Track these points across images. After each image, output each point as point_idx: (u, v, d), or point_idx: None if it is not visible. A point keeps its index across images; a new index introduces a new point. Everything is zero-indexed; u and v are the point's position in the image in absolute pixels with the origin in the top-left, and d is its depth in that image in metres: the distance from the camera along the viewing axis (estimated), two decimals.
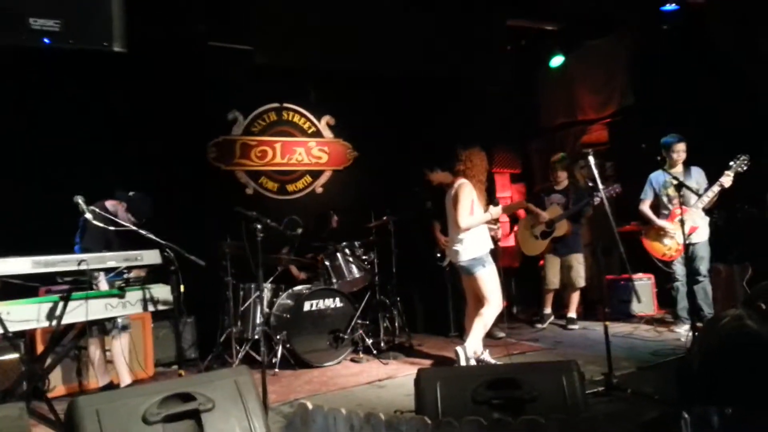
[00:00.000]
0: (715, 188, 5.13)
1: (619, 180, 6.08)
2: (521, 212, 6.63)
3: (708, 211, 5.33)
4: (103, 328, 4.23)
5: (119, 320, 4.21)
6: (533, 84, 8.31)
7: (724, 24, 5.88)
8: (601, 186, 4.02)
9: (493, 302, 4.52)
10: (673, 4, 5.79)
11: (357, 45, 6.26)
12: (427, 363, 4.93)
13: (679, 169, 5.38)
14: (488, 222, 4.71)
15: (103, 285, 3.64)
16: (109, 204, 4.46)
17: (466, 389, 2.64)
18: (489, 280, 4.50)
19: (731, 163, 5.07)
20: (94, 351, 4.39)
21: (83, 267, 2.94)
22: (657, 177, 5.55)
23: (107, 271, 3.17)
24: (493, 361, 4.51)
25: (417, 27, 6.39)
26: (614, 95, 7.40)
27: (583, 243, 6.39)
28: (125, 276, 3.27)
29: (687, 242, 5.18)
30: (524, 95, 8.18)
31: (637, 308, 6.29)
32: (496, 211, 4.60)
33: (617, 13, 6.55)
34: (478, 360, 4.52)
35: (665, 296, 5.95)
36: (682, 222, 4.70)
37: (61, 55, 3.29)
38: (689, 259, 5.27)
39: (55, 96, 5.29)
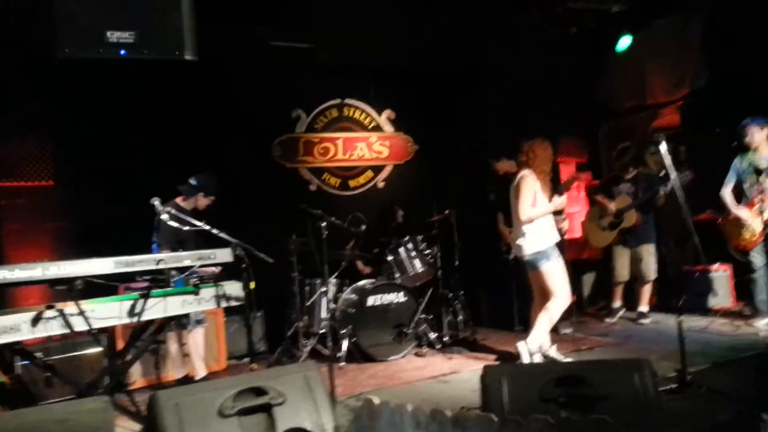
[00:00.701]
0: None
1: (692, 166, 5.81)
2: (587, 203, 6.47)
3: None
4: (179, 323, 4.43)
5: (194, 315, 4.40)
6: (601, 68, 8.02)
7: None
8: (673, 173, 3.86)
9: (560, 296, 4.44)
10: None
11: (415, 39, 6.26)
12: (491, 358, 4.91)
13: (763, 154, 5.09)
14: (554, 214, 4.63)
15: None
16: (184, 201, 4.67)
17: (534, 386, 2.62)
18: (555, 274, 4.42)
19: None
20: (172, 345, 4.62)
21: (161, 266, 3.10)
22: (739, 162, 5.28)
23: (182, 270, 3.31)
24: (560, 357, 4.44)
25: (473, 17, 6.32)
26: (686, 76, 7.06)
27: (658, 232, 6.16)
28: (198, 274, 3.42)
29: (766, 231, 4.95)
30: (592, 80, 7.92)
31: (713, 301, 6.01)
32: (560, 201, 4.53)
33: None
34: (544, 356, 4.46)
35: (744, 288, 5.67)
36: (760, 211, 4.48)
37: (133, 63, 3.46)
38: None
39: (129, 103, 5.55)
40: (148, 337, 3.63)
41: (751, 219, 5.13)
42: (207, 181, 4.70)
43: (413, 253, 5.52)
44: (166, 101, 5.68)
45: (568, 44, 7.28)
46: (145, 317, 3.18)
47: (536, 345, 4.34)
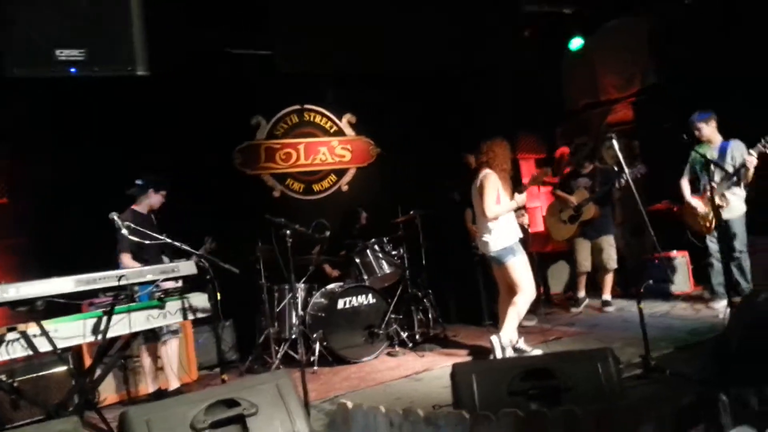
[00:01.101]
0: (742, 168, 5.04)
1: (646, 160, 6.00)
2: (549, 197, 6.60)
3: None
4: (154, 335, 4.38)
5: (173, 325, 4.33)
6: (556, 68, 8.21)
7: None
8: (626, 168, 3.98)
9: (526, 290, 4.53)
10: None
11: (374, 44, 6.28)
12: (462, 353, 4.97)
13: (713, 145, 5.29)
14: (515, 210, 4.72)
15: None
16: (140, 207, 4.61)
17: (502, 381, 2.68)
18: (520, 269, 4.51)
19: (758, 144, 4.95)
20: (146, 358, 4.56)
21: (123, 282, 3.05)
22: (692, 154, 5.48)
23: (145, 284, 3.27)
24: (529, 349, 4.52)
25: (432, 21, 6.36)
26: (636, 74, 7.30)
27: (616, 223, 6.34)
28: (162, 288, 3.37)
29: (719, 219, 5.13)
30: (547, 80, 8.09)
31: (673, 287, 6.21)
32: (521, 198, 4.62)
33: None
34: (514, 348, 4.54)
35: (702, 273, 5.88)
36: (710, 200, 4.66)
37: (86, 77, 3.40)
38: (723, 235, 5.20)
39: (84, 115, 5.45)
40: (115, 354, 3.57)
41: (702, 208, 5.32)
42: (153, 178, 4.66)
43: (380, 255, 5.56)
44: (121, 112, 5.60)
45: (524, 46, 7.43)
46: (110, 334, 3.13)
47: (507, 339, 4.42)
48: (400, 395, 4.03)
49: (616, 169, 4.06)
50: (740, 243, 5.18)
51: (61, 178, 5.26)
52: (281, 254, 4.02)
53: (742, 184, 5.14)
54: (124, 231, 3.54)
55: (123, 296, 3.15)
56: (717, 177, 5.07)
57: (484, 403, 2.65)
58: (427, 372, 4.56)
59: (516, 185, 5.56)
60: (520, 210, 5.30)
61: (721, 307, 5.27)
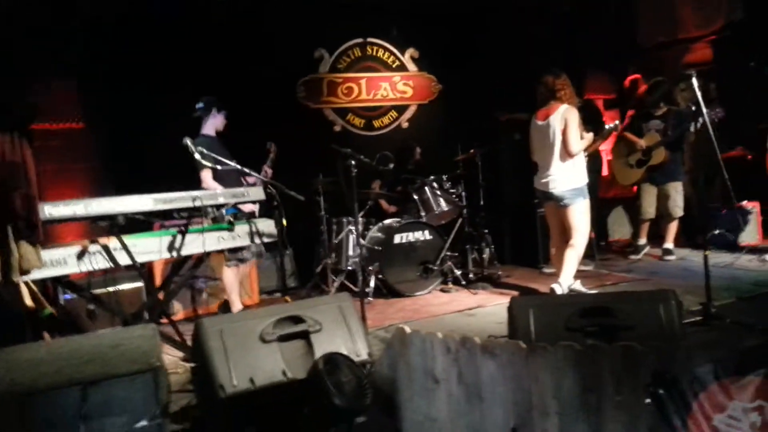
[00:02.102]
0: None
1: (724, 103, 5.69)
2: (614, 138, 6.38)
3: None
4: (237, 256, 4.41)
5: (255, 247, 4.32)
6: (630, 1, 7.75)
7: None
8: (705, 109, 3.81)
9: (585, 233, 4.49)
10: None
11: None
12: (515, 293, 5.00)
13: None
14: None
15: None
16: (206, 129, 4.65)
17: (560, 317, 2.71)
18: (585, 212, 4.47)
19: None
20: (231, 278, 4.61)
21: (197, 203, 3.20)
22: None
23: (218, 207, 3.41)
24: (585, 291, 4.51)
25: None
26: (719, 9, 6.81)
27: (684, 170, 6.11)
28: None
29: None
30: (619, 13, 7.67)
31: (741, 237, 6.00)
32: (590, 136, 4.53)
33: None
34: (570, 289, 4.54)
35: None
36: None
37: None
38: None
39: (155, 44, 5.55)
40: (187, 272, 3.77)
41: None
42: (212, 99, 4.69)
43: (438, 192, 5.57)
44: (190, 43, 5.67)
45: None
46: (184, 252, 3.31)
47: (568, 284, 4.43)
48: (453, 328, 4.12)
49: (693, 110, 3.87)
50: None
51: (135, 108, 5.42)
52: (345, 185, 4.09)
53: None
54: (197, 155, 3.67)
55: (197, 216, 3.30)
56: None
57: (540, 338, 2.70)
58: (480, 308, 4.63)
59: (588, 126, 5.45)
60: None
61: None
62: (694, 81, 3.77)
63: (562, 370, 2.16)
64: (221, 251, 3.82)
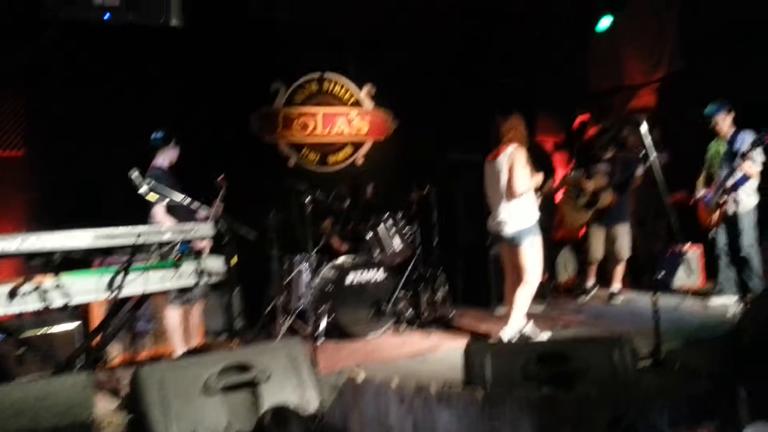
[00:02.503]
0: (737, 173, 5.07)
1: (666, 148, 5.91)
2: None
3: None
4: (184, 296, 4.28)
5: (202, 288, 4.15)
6: (583, 46, 8.05)
7: None
8: (654, 153, 3.92)
9: (536, 274, 4.50)
10: None
11: (395, 12, 6.20)
12: (468, 336, 4.94)
13: (726, 138, 5.22)
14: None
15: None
16: (159, 161, 4.51)
17: (516, 363, 2.66)
18: (536, 251, 4.48)
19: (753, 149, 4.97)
20: (172, 319, 4.46)
21: (142, 240, 3.03)
22: (710, 147, 5.42)
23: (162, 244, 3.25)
24: (537, 334, 4.51)
25: None
26: (663, 58, 7.15)
27: (630, 213, 6.27)
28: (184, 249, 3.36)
29: (725, 213, 5.12)
30: (570, 60, 7.95)
31: (683, 281, 6.17)
32: (539, 177, 4.59)
33: None
34: (521, 333, 4.54)
35: (713, 268, 5.84)
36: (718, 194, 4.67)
37: (109, 30, 3.33)
38: (730, 230, 5.19)
39: (103, 70, 5.38)
40: (126, 313, 3.56)
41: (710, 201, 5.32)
42: (171, 132, 4.59)
43: (393, 231, 5.53)
44: (142, 69, 5.52)
45: (550, 21, 7.29)
46: (125, 293, 3.12)
47: (519, 327, 4.41)
48: (406, 373, 4.01)
49: (643, 153, 3.99)
50: (747, 239, 5.11)
51: (80, 136, 5.20)
52: (299, 222, 3.99)
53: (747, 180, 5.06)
54: (143, 190, 3.50)
55: (141, 254, 3.13)
56: (723, 172, 5.02)
57: (496, 385, 2.64)
58: (433, 352, 4.55)
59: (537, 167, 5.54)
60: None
61: (722, 302, 5.30)
62: (644, 126, 3.89)
63: (519, 419, 2.10)
64: (165, 291, 3.63)
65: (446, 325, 5.38)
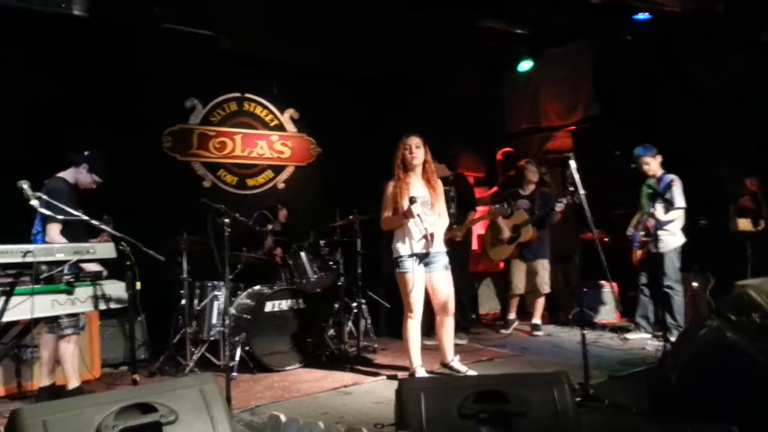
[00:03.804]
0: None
1: (582, 188, 6.05)
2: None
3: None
4: (58, 325, 3.87)
5: (81, 318, 3.92)
6: (499, 88, 8.28)
7: (689, 38, 5.97)
8: (581, 191, 3.94)
9: (407, 306, 4.29)
10: (646, 14, 5.81)
11: (324, 38, 6.07)
12: (393, 368, 4.73)
13: (655, 177, 5.41)
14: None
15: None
16: (67, 174, 4.13)
17: (452, 402, 2.48)
18: (401, 284, 4.30)
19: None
20: (45, 350, 4.03)
21: (29, 259, 2.62)
22: (643, 188, 5.59)
23: (54, 264, 2.83)
24: (463, 369, 4.35)
25: (386, 23, 6.26)
26: (579, 103, 7.44)
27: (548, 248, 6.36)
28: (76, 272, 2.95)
29: (648, 251, 5.28)
30: (490, 98, 8.14)
31: (599, 316, 6.29)
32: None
33: (586, 21, 6.55)
34: (445, 366, 4.38)
35: (628, 305, 6.00)
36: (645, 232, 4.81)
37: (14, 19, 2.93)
38: (652, 269, 5.34)
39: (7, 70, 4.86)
40: (10, 341, 3.08)
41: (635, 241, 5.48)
42: (98, 159, 4.21)
43: (315, 258, 5.27)
44: (46, 69, 5.03)
45: (472, 62, 7.43)
46: (7, 318, 2.68)
47: (412, 364, 4.28)
48: (328, 409, 3.75)
49: (571, 189, 4.01)
50: (669, 279, 5.27)
51: None
52: (216, 246, 3.66)
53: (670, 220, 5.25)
54: (35, 202, 3.07)
55: (27, 275, 2.71)
56: (659, 210, 5.16)
57: (431, 425, 2.44)
58: (357, 386, 4.29)
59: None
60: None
61: (638, 337, 5.42)
62: (572, 163, 3.91)
63: None
64: (55, 318, 3.17)
65: (370, 357, 5.15)
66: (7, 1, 2.66)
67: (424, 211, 4.18)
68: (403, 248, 4.26)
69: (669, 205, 5.17)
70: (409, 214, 4.09)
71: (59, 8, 2.80)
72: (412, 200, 4.09)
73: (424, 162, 4.35)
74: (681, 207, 5.20)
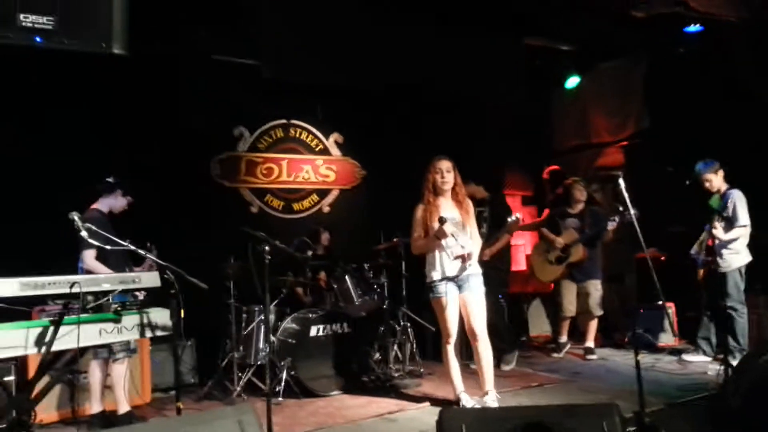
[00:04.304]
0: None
1: (634, 205, 5.83)
2: (534, 235, 6.41)
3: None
4: (110, 350, 3.99)
5: (132, 342, 4.01)
6: (547, 105, 8.13)
7: (743, 48, 5.72)
8: (632, 210, 3.79)
9: (443, 333, 4.23)
10: (698, 25, 5.60)
11: (368, 62, 6.10)
12: (438, 394, 4.63)
13: (719, 194, 5.16)
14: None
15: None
16: (100, 205, 4.27)
17: None
18: (437, 310, 4.24)
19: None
20: (95, 375, 4.14)
21: (75, 289, 2.70)
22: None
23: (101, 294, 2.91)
24: (471, 403, 4.12)
25: (429, 44, 6.23)
26: (630, 118, 7.22)
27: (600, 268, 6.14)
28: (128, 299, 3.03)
29: (711, 270, 5.02)
30: (538, 116, 8.00)
31: (657, 338, 6.01)
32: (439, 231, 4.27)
33: (634, 35, 6.38)
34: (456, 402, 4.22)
35: (687, 326, 5.71)
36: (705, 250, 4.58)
37: (58, 57, 3.05)
38: (714, 289, 5.08)
39: (49, 101, 5.09)
40: (61, 368, 3.17)
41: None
42: (119, 182, 4.36)
43: (359, 282, 5.25)
44: (93, 102, 5.27)
45: (519, 80, 7.32)
46: (56, 347, 2.76)
47: (456, 389, 4.20)
48: None
49: (621, 208, 3.86)
50: (731, 299, 4.99)
51: (13, 175, 4.85)
52: (256, 272, 3.69)
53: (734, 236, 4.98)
54: (84, 233, 3.18)
55: (75, 305, 2.79)
56: (719, 230, 4.92)
57: None
58: (401, 412, 4.23)
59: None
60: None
61: (698, 360, 5.17)
62: (621, 181, 3.77)
63: None
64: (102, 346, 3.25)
65: (415, 382, 5.06)
66: (46, 44, 2.75)
67: (456, 231, 4.09)
68: (435, 273, 4.19)
69: (729, 223, 4.91)
70: (441, 234, 4.02)
71: (98, 48, 2.89)
72: (441, 220, 4.02)
73: (454, 185, 4.27)
74: (743, 225, 4.94)
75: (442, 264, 4.16)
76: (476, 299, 4.17)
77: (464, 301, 4.17)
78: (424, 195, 4.29)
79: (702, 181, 5.17)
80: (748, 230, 5.00)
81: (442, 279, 4.15)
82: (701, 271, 5.26)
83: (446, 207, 4.22)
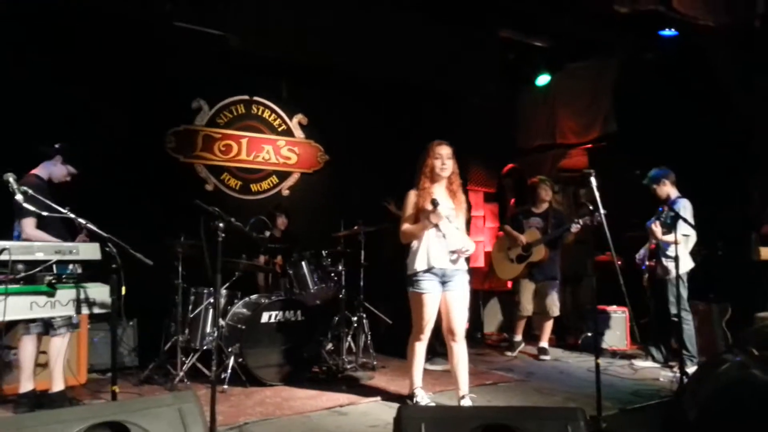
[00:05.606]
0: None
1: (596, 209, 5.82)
2: (494, 232, 6.34)
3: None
4: (51, 325, 3.69)
5: (74, 318, 3.71)
6: (515, 102, 8.07)
7: (721, 55, 5.75)
8: (602, 210, 3.72)
9: (416, 326, 4.05)
10: (673, 30, 5.60)
11: (338, 43, 5.89)
12: (391, 389, 4.49)
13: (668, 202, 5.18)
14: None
15: None
16: (40, 170, 3.98)
17: None
18: (413, 303, 4.02)
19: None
20: (27, 351, 3.80)
21: (4, 257, 2.43)
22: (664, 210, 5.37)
23: (34, 264, 2.64)
24: (426, 401, 4.01)
25: (401, 31, 6.07)
26: (597, 120, 7.20)
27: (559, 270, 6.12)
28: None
29: (654, 277, 5.07)
30: (505, 112, 7.92)
31: (609, 342, 6.03)
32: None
33: (608, 35, 6.35)
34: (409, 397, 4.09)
35: (639, 331, 5.74)
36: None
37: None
38: (658, 295, 5.14)
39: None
40: None
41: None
42: (72, 150, 4.07)
43: (316, 269, 5.06)
44: (43, 66, 4.89)
45: (488, 75, 7.22)
46: None
47: (413, 384, 4.06)
48: (320, 430, 3.54)
49: (590, 208, 3.79)
50: (674, 306, 4.97)
51: None
52: (208, 251, 3.45)
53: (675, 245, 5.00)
54: (19, 197, 2.89)
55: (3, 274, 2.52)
56: (658, 230, 4.95)
57: None
58: (352, 406, 4.06)
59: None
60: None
61: (649, 365, 5.21)
62: (593, 180, 3.69)
63: None
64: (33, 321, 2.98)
65: (368, 375, 4.90)
66: None
67: (448, 220, 3.86)
68: (420, 263, 3.90)
69: (668, 231, 4.92)
70: (435, 217, 3.78)
71: None
72: (434, 202, 3.78)
73: (451, 173, 4.06)
74: (684, 234, 4.88)
75: (428, 254, 3.89)
76: (459, 298, 3.95)
77: (446, 299, 3.94)
78: (419, 179, 4.02)
79: (654, 188, 5.19)
80: (691, 239, 5.01)
81: (427, 270, 3.89)
82: (645, 276, 5.30)
83: (441, 195, 3.97)
